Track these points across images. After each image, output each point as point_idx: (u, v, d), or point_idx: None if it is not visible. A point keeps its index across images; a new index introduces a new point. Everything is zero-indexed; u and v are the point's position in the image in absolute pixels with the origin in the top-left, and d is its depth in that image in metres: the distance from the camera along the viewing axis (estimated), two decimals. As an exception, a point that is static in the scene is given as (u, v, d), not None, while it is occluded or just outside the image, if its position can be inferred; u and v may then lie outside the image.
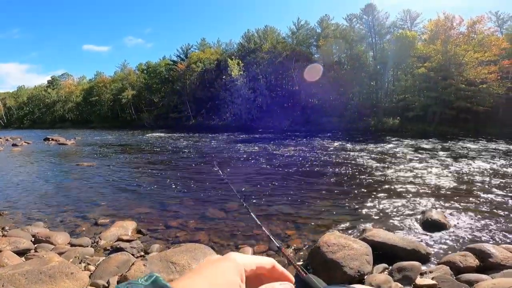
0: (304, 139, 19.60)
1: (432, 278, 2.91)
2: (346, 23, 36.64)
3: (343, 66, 34.44)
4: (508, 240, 4.17)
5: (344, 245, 3.32)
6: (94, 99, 53.84)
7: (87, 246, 4.33)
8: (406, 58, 29.02)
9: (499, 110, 25.03)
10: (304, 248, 4.13)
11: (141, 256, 4.03)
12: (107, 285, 3.09)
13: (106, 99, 52.82)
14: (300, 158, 11.97)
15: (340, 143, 16.97)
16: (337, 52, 35.25)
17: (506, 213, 5.33)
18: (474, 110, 24.82)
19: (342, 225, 4.91)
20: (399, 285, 2.80)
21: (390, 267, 3.15)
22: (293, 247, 4.16)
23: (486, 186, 7.23)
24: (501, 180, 7.88)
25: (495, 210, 5.50)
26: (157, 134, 26.95)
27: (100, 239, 4.55)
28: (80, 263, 3.72)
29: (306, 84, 34.89)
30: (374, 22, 33.29)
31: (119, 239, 4.55)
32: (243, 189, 7.34)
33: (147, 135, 26.57)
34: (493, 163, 10.16)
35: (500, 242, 4.08)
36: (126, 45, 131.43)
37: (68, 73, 66.19)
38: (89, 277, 3.22)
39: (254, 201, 6.43)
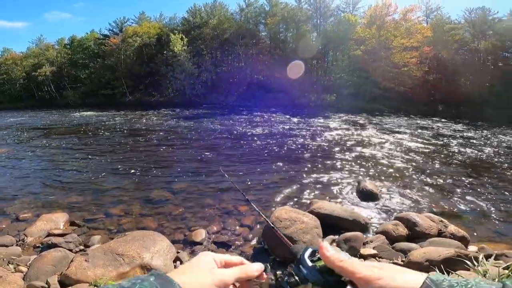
0: (249, 114, 19.71)
1: (373, 248, 3.25)
2: (295, 2, 36.95)
3: (288, 45, 35.08)
4: (430, 208, 4.89)
5: (295, 219, 3.44)
6: (2, 77, 45.38)
7: (12, 245, 3.73)
8: (346, 41, 30.85)
9: (416, 91, 28.83)
10: (257, 225, 4.20)
11: (80, 250, 3.62)
12: (46, 286, 2.73)
13: (17, 77, 44.95)
14: (244, 133, 12.05)
15: (283, 118, 17.57)
16: (284, 31, 35.66)
17: (428, 182, 6.26)
18: (397, 90, 28.12)
19: (291, 199, 5.12)
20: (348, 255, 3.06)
21: (337, 238, 3.42)
22: (247, 226, 4.19)
23: (410, 158, 8.38)
24: (422, 151, 9.22)
25: (419, 180, 6.41)
26: (86, 113, 23.92)
27: (26, 236, 3.95)
28: (8, 264, 3.18)
29: (252, 61, 34.68)
30: (321, 4, 34.36)
31: (50, 234, 4.01)
32: (189, 167, 7.09)
33: (73, 114, 23.39)
34: (414, 137, 11.78)
35: (424, 210, 4.75)
36: (49, 20, 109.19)
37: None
38: (23, 279, 2.80)
39: (201, 178, 6.27)
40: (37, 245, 3.80)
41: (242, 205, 4.84)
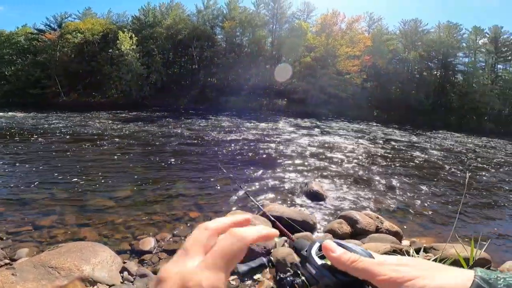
0: (200, 118, 19.36)
1: None
2: (253, 7, 37.50)
3: (244, 49, 35.48)
4: (369, 206, 5.39)
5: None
6: None
7: None
8: (298, 47, 32.39)
9: (356, 97, 31.63)
10: None
11: (6, 264, 3.15)
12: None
13: None
14: (193, 138, 11.77)
15: (235, 121, 17.72)
16: (240, 35, 35.94)
17: (368, 181, 6.90)
18: (340, 96, 30.48)
19: (242, 203, 5.12)
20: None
21: (289, 240, 3.52)
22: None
23: (351, 159, 9.13)
24: (361, 153, 10.11)
25: (360, 179, 7.03)
26: (12, 114, 20.84)
27: None
28: None
29: (206, 63, 34.26)
30: (278, 10, 35.52)
31: (-36, 252, 3.39)
32: (134, 173, 6.67)
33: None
34: (354, 140, 12.89)
35: (364, 208, 5.20)
36: None
37: None
38: None
39: (147, 185, 5.93)
40: None
41: (193, 211, 4.72)
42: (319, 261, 0.42)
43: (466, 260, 2.44)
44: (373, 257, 0.39)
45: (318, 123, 19.15)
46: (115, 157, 8.37)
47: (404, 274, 0.34)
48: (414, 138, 16.08)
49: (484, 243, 2.65)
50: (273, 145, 10.66)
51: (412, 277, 0.34)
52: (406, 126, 22.22)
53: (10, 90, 35.77)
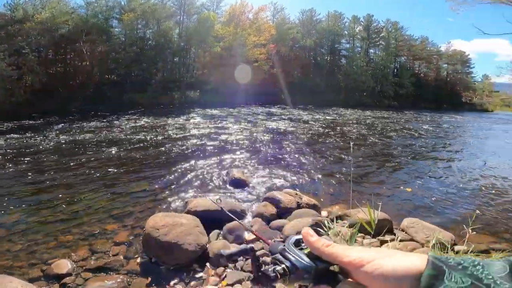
0: (97, 120, 16.98)
1: (255, 231, 3.60)
2: None
3: (147, 42, 32.54)
4: (288, 184, 5.85)
5: (174, 223, 3.30)
6: None
7: None
8: (207, 37, 31.71)
9: (266, 83, 33.52)
10: (135, 239, 3.81)
11: None
12: None
13: None
14: (92, 143, 10.20)
15: (143, 120, 16.23)
16: (143, 27, 32.66)
17: (283, 161, 7.53)
18: (251, 83, 31.78)
19: (164, 204, 4.87)
20: (236, 245, 3.23)
21: (222, 232, 3.58)
22: (123, 243, 3.72)
23: (266, 142, 9.78)
24: (275, 135, 10.93)
25: (276, 160, 7.61)
26: None
27: None
28: None
29: (101, 59, 29.86)
30: (186, 1, 33.46)
31: None
32: (20, 192, 5.51)
33: None
34: (268, 123, 13.78)
35: (284, 187, 5.59)
36: None
37: None
38: None
39: (43, 203, 5.00)
40: None
41: (110, 224, 4.24)
42: (297, 250, 0.45)
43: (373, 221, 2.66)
44: None
45: (232, 111, 19.58)
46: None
47: (365, 257, 0.39)
48: (316, 116, 18.34)
49: (379, 203, 3.17)
50: (188, 139, 10.34)
51: (372, 258, 0.39)
52: (308, 106, 25.11)
53: None
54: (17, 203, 5.07)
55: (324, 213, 4.42)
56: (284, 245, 0.48)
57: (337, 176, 6.65)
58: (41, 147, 10.17)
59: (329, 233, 2.56)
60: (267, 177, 6.32)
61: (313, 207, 4.41)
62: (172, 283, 2.91)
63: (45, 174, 6.91)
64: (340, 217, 3.92)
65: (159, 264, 3.17)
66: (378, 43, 48.98)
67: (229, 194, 5.34)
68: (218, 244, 3.15)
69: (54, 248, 3.62)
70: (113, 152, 8.62)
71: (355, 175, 6.69)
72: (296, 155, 8.12)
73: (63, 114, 20.89)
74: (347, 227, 3.13)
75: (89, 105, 25.74)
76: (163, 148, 9.06)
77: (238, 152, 8.41)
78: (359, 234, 3.13)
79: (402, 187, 6.08)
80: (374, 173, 7.21)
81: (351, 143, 4.23)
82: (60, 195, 5.37)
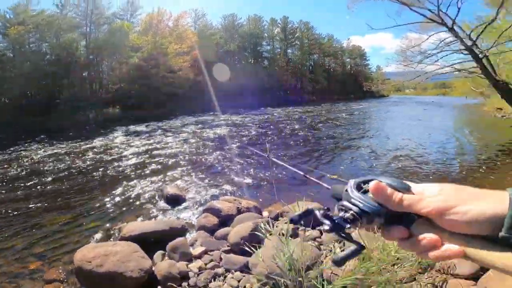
0: None
1: (201, 245, 3.56)
2: (56, 9, 29.64)
3: (45, 56, 28.20)
4: (225, 192, 6.00)
5: (106, 253, 3.11)
6: None
7: None
8: (121, 48, 29.24)
9: (193, 91, 32.93)
10: (69, 274, 3.43)
11: None
12: None
13: None
14: (4, 175, 8.71)
15: (57, 145, 13.89)
16: (37, 41, 28.09)
17: (213, 169, 7.66)
18: (177, 92, 30.79)
19: (92, 234, 4.50)
20: (183, 262, 3.20)
21: (166, 251, 3.47)
22: (55, 280, 3.33)
23: (195, 151, 9.86)
24: (201, 143, 10.99)
25: (208, 169, 7.73)
26: None
27: None
28: None
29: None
30: (94, 11, 29.79)
31: None
32: None
33: None
34: (195, 132, 13.77)
35: (222, 195, 5.71)
36: None
37: None
38: None
39: None
40: None
41: (32, 263, 3.75)
42: (361, 195, 0.44)
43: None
44: (411, 191, 0.43)
45: (159, 124, 18.70)
46: None
47: (445, 204, 0.38)
48: (246, 119, 19.08)
49: (312, 193, 3.40)
50: (114, 161, 9.40)
51: (453, 205, 0.38)
52: (238, 110, 26.05)
53: None
54: None
55: (265, 213, 4.56)
56: (347, 190, 0.47)
57: (272, 175, 7.12)
58: None
59: (267, 235, 2.66)
60: (203, 188, 6.33)
61: (254, 209, 4.57)
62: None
63: None
64: (281, 215, 4.21)
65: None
66: (294, 43, 53.31)
67: (166, 211, 5.20)
68: (163, 265, 3.13)
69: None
70: (27, 185, 7.39)
71: (289, 171, 7.25)
72: (230, 162, 8.38)
73: None
74: (287, 223, 3.34)
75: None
76: (86, 175, 8.10)
77: (169, 167, 8.16)
78: (301, 228, 3.30)
79: (328, 175, 6.91)
80: (306, 164, 7.98)
81: (267, 145, 4.68)
82: None
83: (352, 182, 0.47)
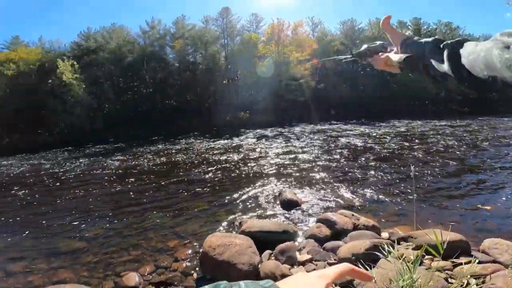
0: (164, 144, 18.72)
1: (307, 253, 3.50)
2: (202, 24, 37.60)
3: (199, 66, 35.23)
4: (343, 205, 5.59)
5: (228, 244, 3.44)
6: None
7: None
8: (250, 58, 33.12)
9: (313, 99, 33.09)
10: (193, 256, 4.04)
11: None
12: None
13: None
14: (161, 165, 11.40)
15: (200, 142, 17.44)
16: (193, 52, 35.70)
17: (338, 181, 7.21)
18: (298, 100, 31.66)
19: (220, 224, 5.11)
20: (287, 266, 3.23)
21: (274, 252, 3.57)
22: (182, 260, 3.97)
23: (318, 161, 9.52)
24: (327, 154, 10.59)
25: (330, 180, 7.33)
26: None
27: None
28: None
29: (161, 86, 33.30)
30: (228, 24, 36.04)
31: None
32: (100, 209, 6.30)
33: None
34: (319, 141, 13.48)
35: (338, 208, 5.37)
36: None
37: None
38: None
39: (119, 220, 5.68)
40: None
41: (171, 240, 4.58)
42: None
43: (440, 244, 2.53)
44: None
45: (282, 130, 19.65)
46: (75, 197, 7.78)
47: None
48: (367, 130, 17.31)
49: (453, 223, 2.82)
50: (242, 160, 10.70)
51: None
52: (360, 120, 23.84)
53: None
54: (96, 218, 5.87)
55: (385, 234, 4.14)
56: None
57: (401, 193, 6.11)
58: (116, 168, 11.63)
59: (388, 257, 2.39)
60: (320, 197, 6.15)
61: (372, 228, 4.16)
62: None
63: (118, 192, 7.88)
64: (403, 239, 3.69)
65: (214, 281, 3.25)
66: (433, 46, 44.89)
67: (281, 214, 5.35)
68: (269, 264, 3.14)
69: (125, 261, 4.05)
70: (173, 174, 9.50)
71: (422, 191, 6.07)
72: (355, 175, 7.72)
73: (132, 139, 23.50)
74: (412, 249, 2.89)
75: (155, 130, 28.35)
76: (219, 170, 9.62)
77: (290, 172, 8.39)
78: (427, 257, 2.93)
79: (479, 205, 5.30)
80: (445, 189, 6.44)
81: (412, 167, 3.86)
82: (134, 213, 6.09)
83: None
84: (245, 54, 32.75)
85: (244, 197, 6.48)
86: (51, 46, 37.94)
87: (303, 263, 3.30)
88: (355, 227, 4.11)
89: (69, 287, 3.15)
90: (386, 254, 2.33)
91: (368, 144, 12.54)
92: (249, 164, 9.77)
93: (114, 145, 21.36)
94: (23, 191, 8.97)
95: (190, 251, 4.16)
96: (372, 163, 8.81)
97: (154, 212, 5.95)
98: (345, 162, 9.20)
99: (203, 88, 33.24)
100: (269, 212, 5.51)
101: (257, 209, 5.71)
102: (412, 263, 1.92)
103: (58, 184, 9.69)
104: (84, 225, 5.53)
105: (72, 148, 21.26)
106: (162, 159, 12.77)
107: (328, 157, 10.02)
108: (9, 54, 33.09)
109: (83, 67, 31.09)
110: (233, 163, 10.22)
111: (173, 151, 14.92)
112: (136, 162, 12.52)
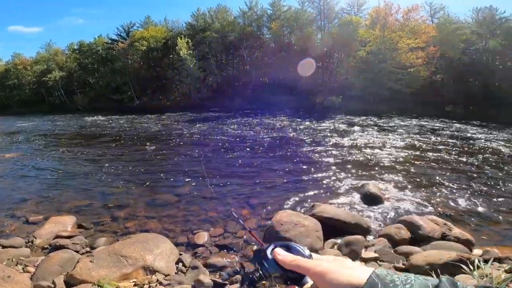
0: (255, 117, 19.74)
1: (375, 251, 3.22)
2: (298, 5, 37.11)
3: (293, 47, 35.16)
4: (436, 211, 4.83)
5: (296, 223, 3.45)
6: (12, 82, 46.53)
7: (21, 247, 3.85)
8: (350, 42, 30.72)
9: (424, 91, 28.42)
10: (259, 228, 4.24)
11: (86, 252, 3.71)
12: (52, 286, 2.80)
13: (28, 82, 46.00)
14: (251, 137, 12.12)
15: (288, 121, 17.54)
16: (288, 34, 35.75)
17: (434, 185, 6.17)
18: (404, 91, 27.74)
19: (293, 202, 5.15)
20: (348, 259, 3.03)
21: (339, 241, 3.40)
22: (249, 229, 4.23)
23: (415, 160, 8.27)
24: (427, 153, 9.08)
25: (425, 182, 6.32)
26: (95, 117, 24.30)
27: (35, 238, 4.08)
28: (16, 265, 3.30)
29: (257, 63, 34.91)
30: (325, 6, 34.51)
31: (58, 236, 4.13)
32: (193, 171, 7.18)
33: (83, 119, 23.85)
34: (419, 139, 11.61)
35: (429, 213, 4.69)
36: (63, 26, 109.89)
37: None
38: (30, 279, 2.88)
39: (205, 183, 6.37)
40: (45, 247, 3.91)
41: (245, 209, 4.89)
42: (271, 258, 0.52)
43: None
44: (311, 258, 0.51)
45: (377, 121, 17.77)
46: (177, 155, 9.17)
47: (322, 269, 0.45)
48: (494, 135, 13.74)
49: None
50: (327, 145, 10.31)
51: (327, 271, 0.44)
52: (484, 122, 19.11)
53: (94, 96, 41.69)
54: (188, 178, 6.77)
55: (477, 251, 3.49)
56: (265, 253, 0.54)
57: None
58: (212, 134, 13.07)
59: (474, 273, 1.98)
60: (409, 198, 5.41)
61: (465, 242, 3.52)
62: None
63: (210, 157, 8.93)
64: (498, 260, 3.09)
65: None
66: None
67: (358, 207, 5.02)
68: (330, 252, 3.03)
69: (202, 221, 4.57)
70: (263, 147, 10.03)
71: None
72: (454, 181, 6.43)
73: (228, 110, 25.93)
74: (503, 271, 2.32)
75: (246, 104, 30.57)
76: (302, 148, 9.66)
77: (378, 166, 7.63)
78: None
79: None
80: None
81: None
82: (217, 176, 6.79)
83: (272, 245, 0.54)
84: (344, 37, 30.49)
85: (324, 181, 6.32)
86: (173, 26, 44.86)
87: (365, 260, 3.07)
88: (443, 237, 3.55)
89: (152, 236, 3.59)
90: (471, 269, 1.93)
91: (483, 150, 10.00)
92: (336, 150, 9.34)
93: (213, 113, 23.92)
94: (136, 147, 11.17)
95: (258, 222, 4.41)
96: (485, 172, 7.07)
97: (235, 179, 6.49)
98: (448, 166, 7.68)
99: (295, 69, 33.08)
100: (345, 201, 5.25)
101: (333, 196, 5.51)
102: (498, 283, 1.51)
103: (168, 144, 11.61)
104: (178, 183, 6.41)
105: (181, 113, 24.88)
106: (249, 131, 13.46)
107: (430, 158, 8.54)
108: (142, 32, 40.70)
109: (195, 44, 35.63)
110: (319, 147, 9.96)
111: (258, 125, 15.47)
112: (229, 131, 13.72)
